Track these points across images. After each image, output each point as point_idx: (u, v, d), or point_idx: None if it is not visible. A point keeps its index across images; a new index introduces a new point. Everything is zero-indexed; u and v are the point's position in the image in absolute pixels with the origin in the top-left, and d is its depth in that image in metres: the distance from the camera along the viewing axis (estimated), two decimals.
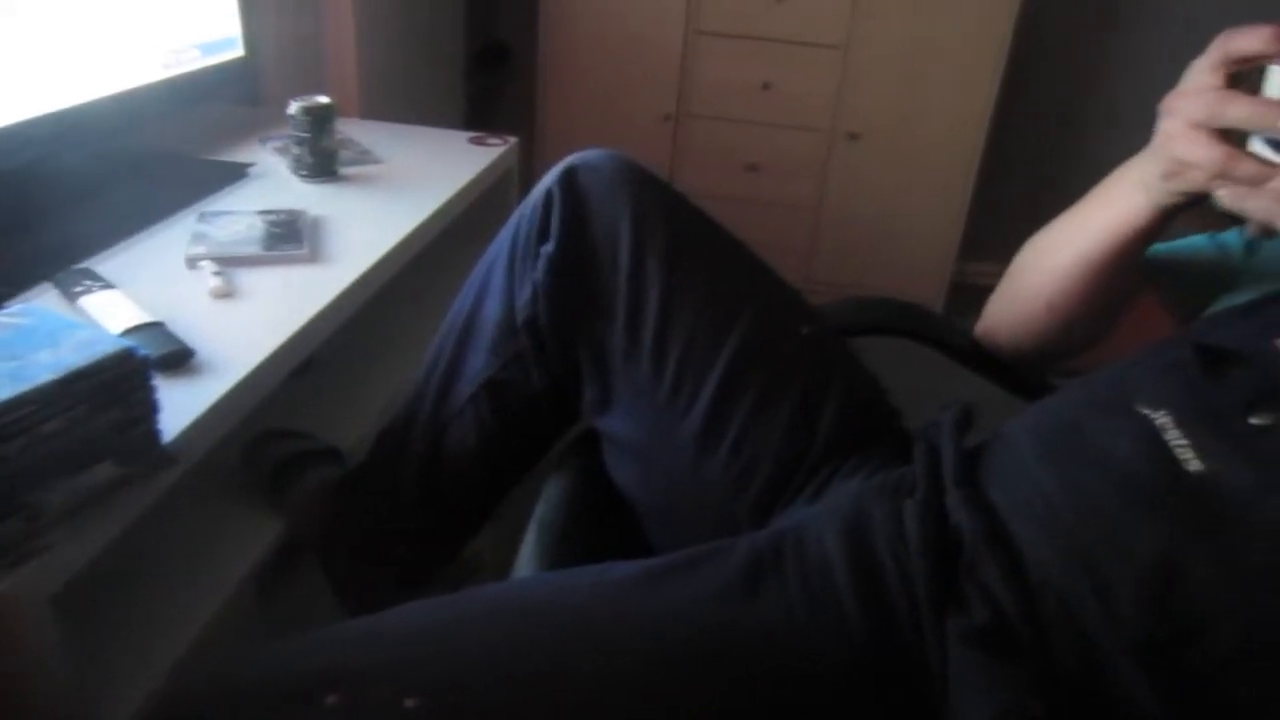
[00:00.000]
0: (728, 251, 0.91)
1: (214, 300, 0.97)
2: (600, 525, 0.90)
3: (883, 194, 2.56)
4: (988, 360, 0.96)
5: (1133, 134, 0.65)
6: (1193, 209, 0.68)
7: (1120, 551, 0.62)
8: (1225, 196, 0.50)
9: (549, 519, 0.87)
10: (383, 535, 1.00)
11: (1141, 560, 0.61)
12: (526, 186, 0.95)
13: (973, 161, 2.47)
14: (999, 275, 0.90)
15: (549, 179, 0.88)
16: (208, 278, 0.99)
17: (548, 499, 0.89)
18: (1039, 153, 2.73)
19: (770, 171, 2.59)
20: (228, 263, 1.04)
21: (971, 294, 1.11)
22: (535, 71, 2.60)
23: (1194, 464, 0.62)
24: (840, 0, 2.37)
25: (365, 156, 1.45)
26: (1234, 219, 0.69)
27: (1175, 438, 0.64)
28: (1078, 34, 2.59)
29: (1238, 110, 0.57)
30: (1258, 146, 0.57)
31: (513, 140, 1.59)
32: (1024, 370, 0.95)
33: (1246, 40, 0.58)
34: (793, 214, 2.63)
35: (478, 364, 0.92)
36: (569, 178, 0.87)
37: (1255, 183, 0.57)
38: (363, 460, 1.03)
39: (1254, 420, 0.63)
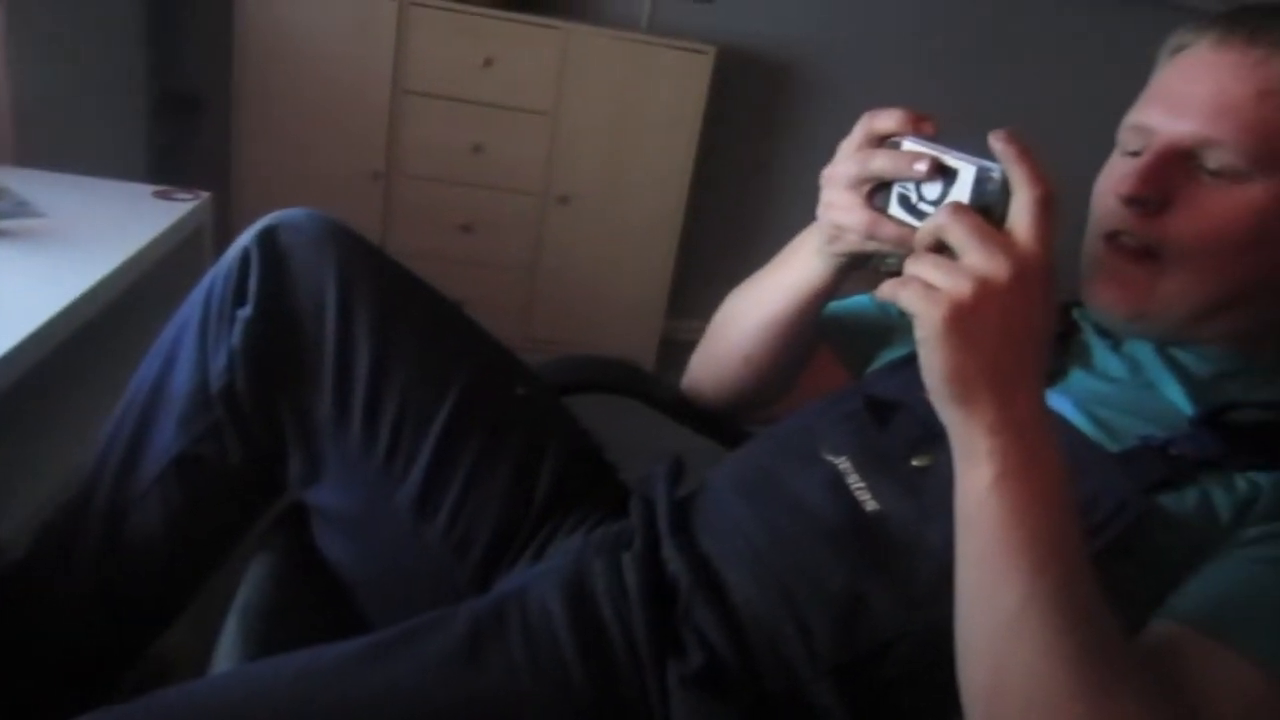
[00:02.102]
0: (439, 313, 0.90)
1: None
2: (310, 606, 0.85)
3: (594, 255, 2.67)
4: (694, 412, 1.01)
5: (814, 200, 0.73)
6: (860, 269, 0.77)
7: (814, 587, 0.68)
8: (884, 291, 0.57)
9: (252, 604, 0.80)
10: (48, 640, 0.87)
11: (831, 593, 0.67)
12: (221, 246, 0.89)
13: (676, 223, 2.64)
14: (703, 331, 0.96)
15: (246, 238, 0.83)
16: None
17: (250, 582, 0.83)
18: (735, 215, 2.97)
19: (484, 232, 2.61)
20: None
21: (679, 349, 1.18)
22: (230, 123, 2.44)
23: (870, 504, 0.71)
24: (547, 68, 2.46)
25: (22, 209, 1.29)
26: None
27: (854, 481, 0.72)
28: (761, 106, 2.87)
29: (880, 162, 0.67)
30: (895, 210, 0.66)
31: (204, 195, 1.48)
32: (725, 420, 1.02)
33: (884, 120, 0.67)
34: (508, 274, 2.66)
35: (165, 439, 0.83)
36: (269, 237, 0.83)
37: (897, 242, 0.66)
38: (21, 555, 0.90)
39: (915, 462, 0.72)
